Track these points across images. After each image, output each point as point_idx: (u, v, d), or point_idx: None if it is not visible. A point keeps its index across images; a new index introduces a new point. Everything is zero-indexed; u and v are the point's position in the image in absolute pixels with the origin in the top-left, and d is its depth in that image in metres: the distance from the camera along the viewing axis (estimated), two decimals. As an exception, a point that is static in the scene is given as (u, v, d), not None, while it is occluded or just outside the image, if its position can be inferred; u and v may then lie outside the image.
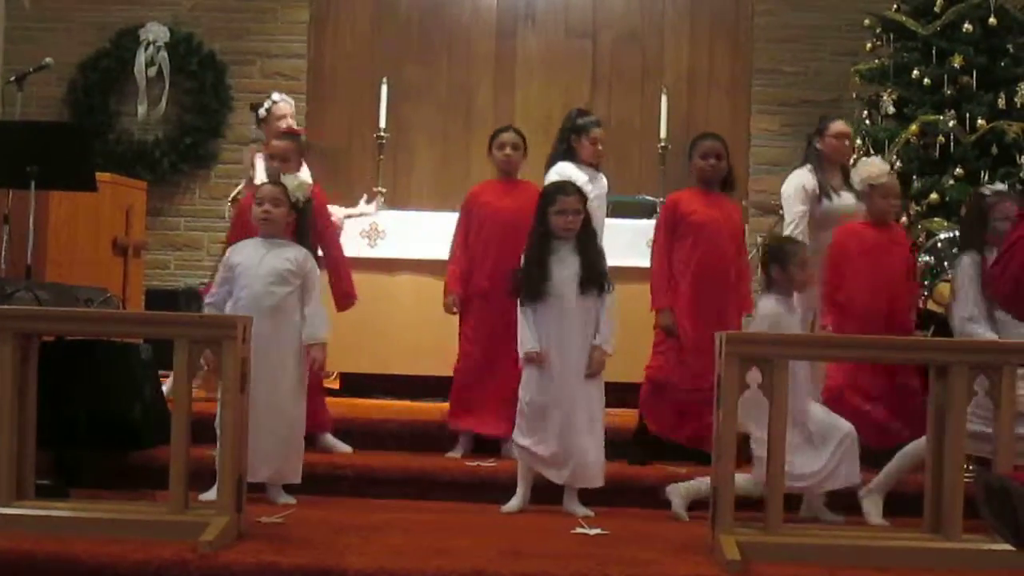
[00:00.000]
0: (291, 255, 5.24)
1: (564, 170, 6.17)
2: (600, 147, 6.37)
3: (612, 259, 6.87)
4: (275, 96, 7.13)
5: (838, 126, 6.38)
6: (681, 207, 5.95)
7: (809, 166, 6.28)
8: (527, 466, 5.26)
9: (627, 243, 7.06)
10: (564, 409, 5.15)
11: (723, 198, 6.04)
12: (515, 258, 5.40)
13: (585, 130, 6.33)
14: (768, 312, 5.12)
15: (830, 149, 6.30)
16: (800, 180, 6.24)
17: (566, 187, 5.40)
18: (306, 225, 5.47)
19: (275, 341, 5.03)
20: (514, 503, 5.23)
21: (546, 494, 5.25)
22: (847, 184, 6.24)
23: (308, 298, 5.27)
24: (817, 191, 6.18)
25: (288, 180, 5.41)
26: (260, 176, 6.43)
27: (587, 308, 5.24)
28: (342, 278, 6.17)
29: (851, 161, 6.52)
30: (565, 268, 5.24)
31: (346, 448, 5.94)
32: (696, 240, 5.86)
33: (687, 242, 5.88)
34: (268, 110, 7.03)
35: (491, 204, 6.09)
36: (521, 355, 5.26)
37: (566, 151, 6.32)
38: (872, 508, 5.13)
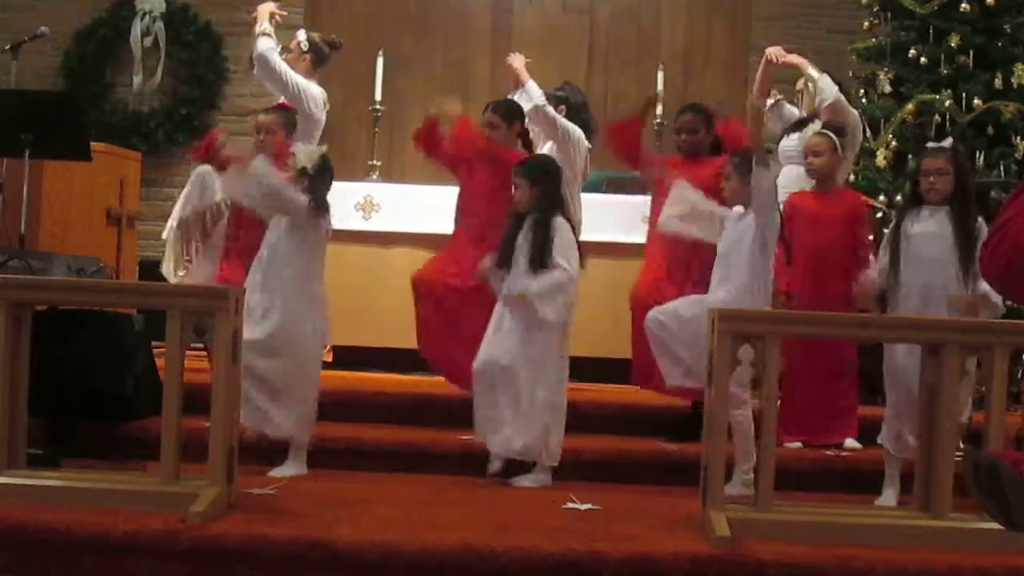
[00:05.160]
0: None
1: None
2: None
3: (606, 235, 6.85)
4: (299, 35, 6.91)
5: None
6: (664, 176, 5.89)
7: None
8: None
9: (622, 219, 7.06)
10: (503, 379, 5.15)
11: (702, 163, 5.89)
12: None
13: None
14: None
15: None
16: None
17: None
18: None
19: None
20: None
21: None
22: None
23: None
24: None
25: (300, 149, 5.27)
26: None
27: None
28: None
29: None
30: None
31: None
32: None
33: None
34: (290, 48, 6.81)
35: None
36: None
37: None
38: None
